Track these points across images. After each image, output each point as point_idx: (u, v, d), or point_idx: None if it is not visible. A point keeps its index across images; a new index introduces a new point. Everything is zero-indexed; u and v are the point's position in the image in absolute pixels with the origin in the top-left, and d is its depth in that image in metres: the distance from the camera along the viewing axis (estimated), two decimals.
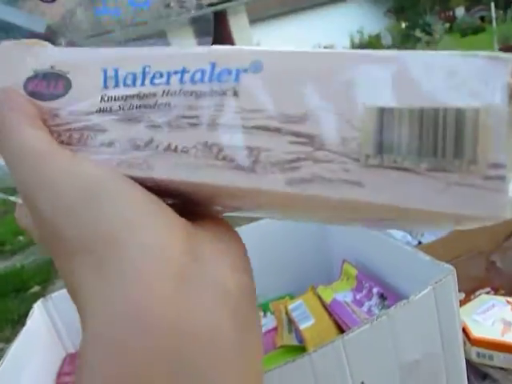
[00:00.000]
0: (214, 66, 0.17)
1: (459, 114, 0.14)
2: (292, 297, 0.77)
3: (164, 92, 0.18)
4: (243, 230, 0.74)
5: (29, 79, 0.20)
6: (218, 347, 0.15)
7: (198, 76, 0.18)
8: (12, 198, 0.22)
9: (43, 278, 1.64)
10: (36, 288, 1.65)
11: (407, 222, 0.17)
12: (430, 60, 0.15)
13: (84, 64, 0.20)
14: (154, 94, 0.18)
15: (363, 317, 0.56)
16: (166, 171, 0.17)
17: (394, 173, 0.15)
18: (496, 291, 0.64)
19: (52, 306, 0.66)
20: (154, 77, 0.18)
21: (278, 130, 0.16)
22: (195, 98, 0.17)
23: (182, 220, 0.17)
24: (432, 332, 0.39)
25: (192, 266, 0.16)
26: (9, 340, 1.48)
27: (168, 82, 0.18)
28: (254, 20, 8.53)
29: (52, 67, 0.20)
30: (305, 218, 0.20)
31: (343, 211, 0.17)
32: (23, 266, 1.77)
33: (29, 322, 0.60)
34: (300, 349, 0.61)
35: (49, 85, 0.20)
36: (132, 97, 0.18)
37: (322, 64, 0.16)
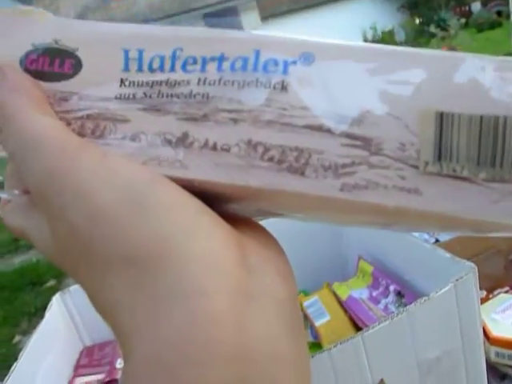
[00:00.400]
0: (258, 54, 0.15)
1: None
2: (306, 293, 0.77)
3: (200, 80, 0.16)
4: None
5: (26, 54, 0.17)
6: (279, 367, 0.14)
7: (239, 64, 0.15)
8: None
9: (58, 272, 1.66)
10: (52, 282, 1.67)
11: (440, 228, 0.16)
12: (490, 65, 0.14)
13: (98, 40, 0.17)
14: (188, 82, 0.16)
15: (380, 314, 0.55)
16: (203, 171, 0.15)
17: (452, 182, 0.14)
18: None
19: (70, 300, 0.67)
20: (186, 62, 0.16)
21: (330, 131, 0.15)
22: (237, 89, 0.15)
23: (230, 227, 0.16)
24: (452, 330, 0.38)
25: (248, 280, 0.14)
26: (26, 332, 1.51)
27: (204, 69, 0.16)
28: (266, 16, 8.51)
29: (56, 41, 0.17)
30: (335, 221, 0.19)
31: (391, 218, 0.16)
32: (39, 260, 1.80)
33: (47, 314, 0.60)
34: (315, 345, 0.61)
35: (52, 62, 0.17)
36: (160, 83, 0.16)
37: (380, 61, 0.15)
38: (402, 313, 0.36)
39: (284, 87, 0.15)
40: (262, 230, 0.18)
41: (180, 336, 0.13)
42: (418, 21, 8.63)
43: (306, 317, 0.66)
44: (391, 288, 0.57)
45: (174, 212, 0.14)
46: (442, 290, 0.36)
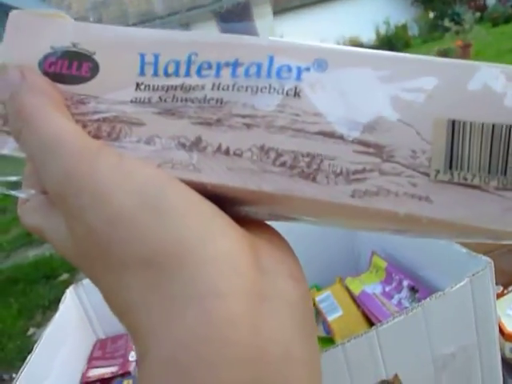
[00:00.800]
0: (272, 60, 0.16)
1: None
2: (319, 288, 0.76)
3: (214, 85, 0.16)
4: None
5: (45, 57, 0.17)
6: (292, 368, 0.14)
7: (253, 70, 0.16)
8: (12, 193, 0.19)
9: (72, 266, 1.68)
10: (65, 276, 1.69)
11: (453, 235, 0.16)
12: (504, 74, 0.14)
13: (115, 45, 0.17)
14: (202, 87, 0.16)
15: (393, 309, 0.55)
16: (216, 175, 0.16)
17: (463, 190, 0.14)
18: None
19: (83, 293, 0.68)
20: (200, 67, 0.16)
21: (342, 138, 0.15)
22: (251, 94, 0.16)
23: (243, 229, 0.16)
24: (467, 325, 0.38)
25: (262, 282, 0.14)
26: (40, 325, 1.53)
27: (218, 74, 0.16)
28: (278, 11, 8.47)
29: (74, 45, 0.17)
30: (346, 226, 0.19)
31: (403, 225, 0.16)
32: (52, 254, 1.82)
33: (61, 307, 0.61)
34: (328, 340, 0.61)
35: (70, 65, 0.17)
36: (175, 88, 0.16)
37: (394, 69, 0.15)
38: (416, 308, 0.35)
39: (297, 93, 0.15)
40: (274, 233, 0.18)
41: (194, 336, 0.13)
42: (431, 15, 8.52)
43: (318, 312, 0.66)
44: (405, 283, 0.57)
45: (188, 215, 0.15)
46: (458, 285, 0.36)
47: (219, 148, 0.16)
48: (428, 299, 0.36)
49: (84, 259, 0.16)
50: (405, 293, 0.57)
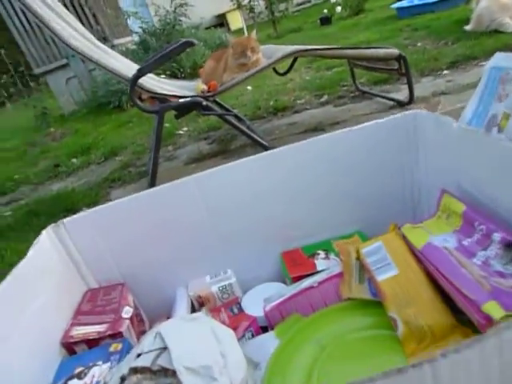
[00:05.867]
0: None
1: None
2: (364, 236, 0.60)
3: None
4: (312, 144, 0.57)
5: None
6: None
7: None
8: None
9: (91, 200, 1.58)
10: (84, 210, 1.59)
11: None
12: None
13: None
14: None
15: (477, 273, 0.38)
16: None
17: None
18: None
19: (65, 233, 0.55)
20: None
21: None
22: None
23: None
24: None
25: None
26: None
27: None
28: None
29: None
30: None
31: None
32: (74, 188, 1.73)
33: (31, 252, 0.47)
34: (375, 304, 0.45)
35: None
36: None
37: None
38: None
39: None
40: None
41: None
42: None
43: (363, 267, 0.50)
44: (495, 237, 0.39)
45: None
46: None
47: None
48: None
49: None
50: (494, 249, 0.39)
